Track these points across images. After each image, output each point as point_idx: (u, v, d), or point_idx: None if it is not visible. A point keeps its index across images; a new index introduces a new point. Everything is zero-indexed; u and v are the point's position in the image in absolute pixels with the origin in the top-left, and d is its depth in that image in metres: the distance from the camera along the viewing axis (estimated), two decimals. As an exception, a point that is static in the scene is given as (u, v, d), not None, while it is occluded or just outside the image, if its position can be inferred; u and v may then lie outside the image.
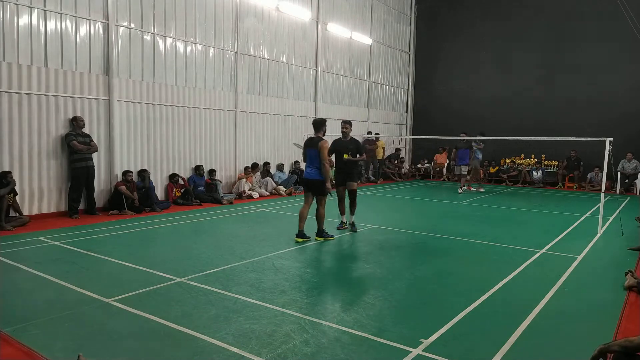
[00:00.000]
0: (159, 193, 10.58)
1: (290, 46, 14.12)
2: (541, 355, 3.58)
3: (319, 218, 7.32)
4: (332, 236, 7.44)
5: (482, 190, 14.73)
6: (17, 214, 8.05)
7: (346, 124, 8.11)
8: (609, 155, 8.08)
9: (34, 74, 8.42)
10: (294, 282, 5.20)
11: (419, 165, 19.75)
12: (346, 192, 8.13)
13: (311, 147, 7.23)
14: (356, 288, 5.17)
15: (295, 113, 14.52)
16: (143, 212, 9.45)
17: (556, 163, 17.01)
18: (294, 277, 5.38)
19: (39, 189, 8.68)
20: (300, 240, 7.14)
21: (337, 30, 15.85)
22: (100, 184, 9.57)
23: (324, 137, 7.24)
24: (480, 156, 14.65)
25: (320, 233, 7.37)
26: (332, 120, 15.86)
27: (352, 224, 8.08)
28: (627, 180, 15.10)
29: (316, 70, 15.20)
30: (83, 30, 9.10)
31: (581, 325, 4.22)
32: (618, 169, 14.95)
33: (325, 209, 7.35)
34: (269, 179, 12.98)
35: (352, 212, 8.08)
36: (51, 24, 8.62)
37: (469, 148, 14.35)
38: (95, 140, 9.24)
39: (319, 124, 7.33)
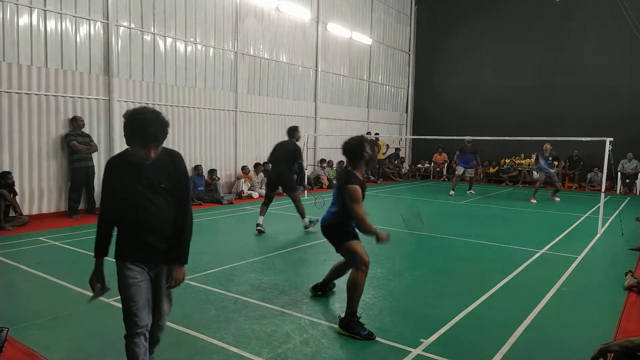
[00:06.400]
0: (159, 193, 10.57)
1: (290, 46, 14.12)
2: (541, 355, 3.58)
3: (355, 289, 3.95)
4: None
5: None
6: (17, 214, 8.05)
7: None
8: (609, 155, 8.08)
9: (34, 74, 8.42)
10: (294, 282, 5.20)
11: (419, 165, 19.75)
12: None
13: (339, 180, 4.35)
14: (356, 288, 5.16)
15: (295, 113, 14.50)
16: (143, 212, 9.43)
17: (556, 163, 16.98)
18: (294, 277, 5.38)
19: (39, 189, 8.67)
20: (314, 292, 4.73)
21: (337, 30, 15.84)
22: (100, 184, 9.55)
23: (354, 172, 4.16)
24: (546, 165, 12.88)
25: (351, 320, 3.82)
26: (332, 120, 15.93)
27: (307, 224, 7.94)
28: (627, 181, 15.09)
29: (316, 70, 15.19)
30: (83, 30, 9.10)
31: (581, 325, 4.22)
32: (618, 169, 14.95)
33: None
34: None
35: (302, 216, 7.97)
36: (51, 24, 8.62)
37: (474, 152, 13.60)
38: (95, 140, 9.24)
39: (357, 152, 4.17)
